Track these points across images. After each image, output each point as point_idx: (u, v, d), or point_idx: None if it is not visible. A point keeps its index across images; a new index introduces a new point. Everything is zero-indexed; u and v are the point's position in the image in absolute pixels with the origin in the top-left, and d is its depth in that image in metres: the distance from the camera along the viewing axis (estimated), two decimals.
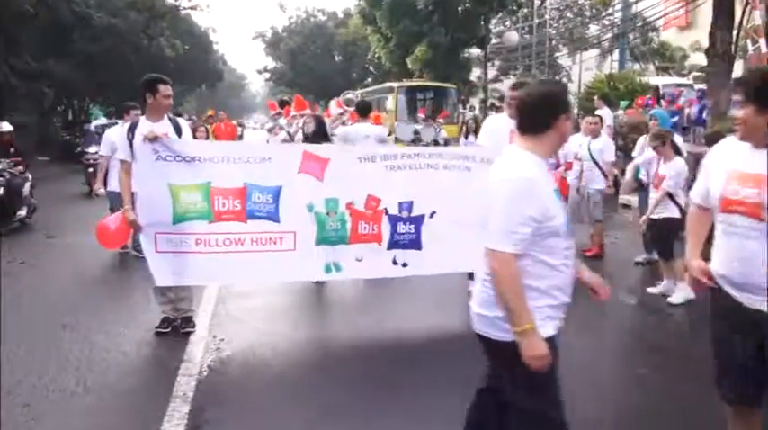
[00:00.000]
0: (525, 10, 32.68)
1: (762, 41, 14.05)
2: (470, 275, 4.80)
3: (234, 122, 17.16)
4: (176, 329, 4.49)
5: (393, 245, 4.44)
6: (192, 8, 32.56)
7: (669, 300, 5.27)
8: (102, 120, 19.22)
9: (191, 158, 4.06)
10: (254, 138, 28.24)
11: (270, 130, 10.13)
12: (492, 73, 32.83)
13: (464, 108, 22.29)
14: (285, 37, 47.15)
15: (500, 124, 4.68)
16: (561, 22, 38.53)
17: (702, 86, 18.50)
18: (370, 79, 42.08)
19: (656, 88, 20.00)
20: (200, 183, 4.09)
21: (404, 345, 4.41)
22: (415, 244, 4.47)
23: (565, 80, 37.89)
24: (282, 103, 10.54)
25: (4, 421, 3.20)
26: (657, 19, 25.03)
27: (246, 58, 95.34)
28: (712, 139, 6.76)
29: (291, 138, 7.72)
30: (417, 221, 4.43)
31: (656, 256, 6.01)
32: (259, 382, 3.82)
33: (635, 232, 6.91)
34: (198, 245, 4.13)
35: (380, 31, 26.42)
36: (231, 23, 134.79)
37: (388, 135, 10.02)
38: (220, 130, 13.95)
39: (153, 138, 4.02)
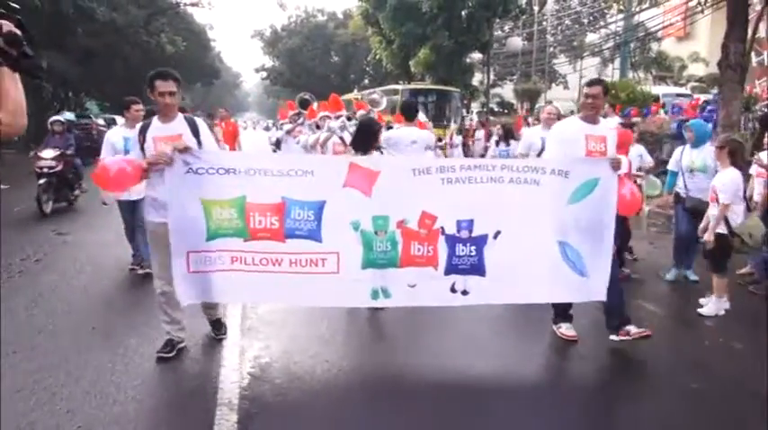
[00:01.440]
0: (525, 16, 32.79)
1: (765, 54, 14.20)
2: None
3: (234, 121, 14.67)
4: (180, 352, 4.10)
5: (451, 269, 3.95)
6: (193, 4, 32.40)
7: (702, 311, 5.23)
8: (68, 115, 17.13)
9: (225, 170, 3.71)
10: (249, 140, 27.94)
11: (289, 132, 9.54)
12: (491, 78, 32.92)
13: (467, 112, 22.27)
14: (284, 36, 47.02)
15: (573, 130, 4.33)
16: (560, 29, 38.75)
17: (703, 96, 18.66)
18: (367, 81, 42.06)
19: (657, 97, 20.18)
20: (235, 198, 3.72)
21: (467, 385, 3.81)
22: (478, 269, 3.97)
23: (561, 87, 38.19)
24: (304, 103, 9.66)
25: (50, 429, 3.10)
26: (659, 30, 25.16)
27: (242, 56, 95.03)
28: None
29: (317, 147, 7.09)
30: (479, 243, 3.94)
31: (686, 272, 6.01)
32: (303, 390, 3.73)
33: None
34: (234, 262, 3.79)
35: (383, 32, 26.34)
36: (228, 21, 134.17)
37: None
38: (222, 130, 12.03)
39: (182, 150, 3.67)
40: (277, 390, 3.69)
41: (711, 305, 5.20)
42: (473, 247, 3.94)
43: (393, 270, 3.91)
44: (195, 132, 3.93)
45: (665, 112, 16.47)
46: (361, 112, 8.16)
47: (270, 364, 4.07)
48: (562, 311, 4.55)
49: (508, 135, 10.92)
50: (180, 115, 4.01)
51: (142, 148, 3.88)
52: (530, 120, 16.28)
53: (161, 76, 3.82)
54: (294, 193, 3.76)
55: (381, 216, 3.85)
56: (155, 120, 3.97)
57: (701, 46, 31.17)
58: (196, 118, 4.21)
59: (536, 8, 33.59)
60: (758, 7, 13.70)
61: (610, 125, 4.54)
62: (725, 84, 11.05)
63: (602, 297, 4.10)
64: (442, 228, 3.91)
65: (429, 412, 3.48)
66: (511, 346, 4.61)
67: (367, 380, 3.91)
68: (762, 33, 14.15)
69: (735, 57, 10.68)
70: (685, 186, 6.00)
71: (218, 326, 4.45)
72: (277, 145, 11.75)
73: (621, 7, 19.94)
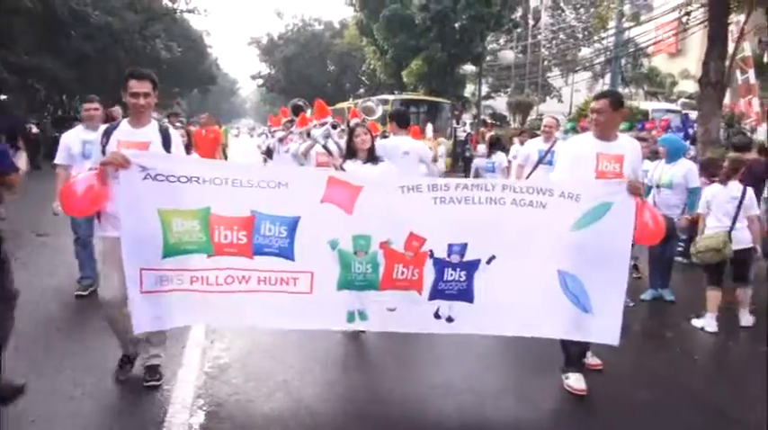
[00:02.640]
0: (519, 29, 33.15)
1: (750, 72, 14.38)
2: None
3: (217, 127, 13.20)
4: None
5: (436, 294, 3.64)
6: (189, 11, 32.61)
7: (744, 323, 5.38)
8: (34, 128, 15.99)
9: (187, 179, 3.30)
10: (242, 148, 27.93)
11: (281, 140, 9.09)
12: (484, 89, 33.18)
13: (457, 123, 22.44)
14: (280, 44, 47.30)
15: (583, 147, 3.89)
16: (554, 42, 39.15)
17: (687, 112, 18.88)
18: (362, 90, 42.28)
19: (647, 113, 20.42)
20: (198, 209, 3.34)
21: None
22: (465, 295, 3.64)
23: (555, 100, 38.50)
24: (297, 109, 9.20)
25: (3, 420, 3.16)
26: (649, 45, 25.46)
27: (239, 63, 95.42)
28: (707, 165, 6.88)
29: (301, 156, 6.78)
30: (470, 268, 3.60)
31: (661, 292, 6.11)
32: (260, 390, 3.79)
33: None
34: (194, 283, 3.42)
35: (377, 43, 26.60)
36: (225, 28, 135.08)
37: None
38: (200, 137, 10.96)
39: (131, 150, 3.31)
40: (233, 390, 3.76)
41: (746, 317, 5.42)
42: (463, 273, 3.61)
43: (372, 292, 3.60)
44: (166, 143, 3.56)
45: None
46: (354, 121, 7.76)
47: (229, 365, 4.14)
48: (575, 358, 3.99)
49: (495, 146, 9.89)
50: (154, 122, 3.64)
51: (104, 152, 3.42)
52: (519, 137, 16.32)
53: (136, 75, 3.47)
54: (265, 207, 3.42)
55: (362, 235, 3.52)
56: (124, 122, 3.61)
57: (692, 63, 31.47)
58: (172, 128, 3.81)
59: (531, 22, 34.00)
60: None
61: (631, 143, 4.01)
62: (704, 101, 11.24)
63: (612, 340, 3.63)
64: (431, 251, 3.56)
65: (390, 415, 3.58)
66: (506, 383, 4.13)
67: (329, 388, 3.92)
68: (747, 52, 14.34)
69: (715, 74, 10.88)
70: (654, 202, 5.84)
71: (152, 372, 3.78)
72: (268, 154, 11.20)
73: (610, 24, 20.19)
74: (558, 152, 4.14)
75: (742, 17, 12.84)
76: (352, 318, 3.64)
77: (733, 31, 13.58)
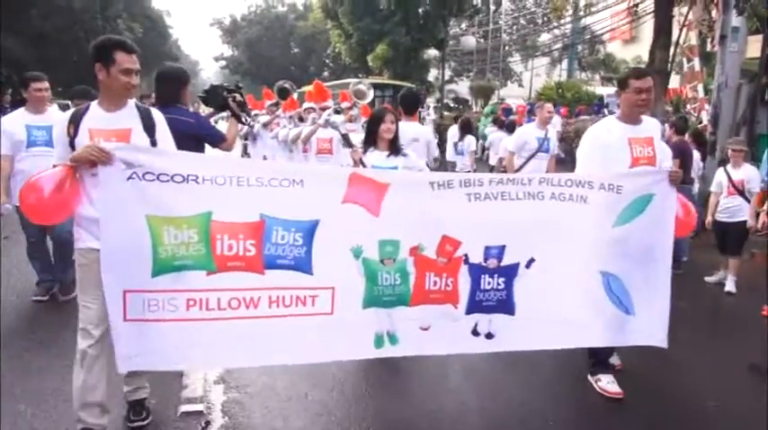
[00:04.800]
0: (481, 15, 33.87)
1: (696, 60, 15.41)
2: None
3: None
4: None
5: (474, 307, 3.17)
6: None
7: (728, 289, 5.99)
8: None
9: (183, 178, 2.72)
10: None
11: (265, 125, 8.61)
12: (447, 74, 33.89)
13: (422, 107, 23.05)
14: (243, 26, 46.93)
15: (613, 135, 3.57)
16: (515, 28, 40.05)
17: None
18: (327, 73, 42.45)
19: (601, 97, 21.44)
20: (196, 215, 2.75)
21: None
22: (505, 306, 3.21)
23: (516, 85, 39.50)
24: (283, 92, 8.60)
25: None
26: (604, 33, 26.48)
27: (201, 45, 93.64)
28: None
29: (299, 143, 6.41)
30: (509, 273, 3.18)
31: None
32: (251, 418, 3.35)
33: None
34: (191, 308, 2.79)
35: (342, 26, 26.89)
36: (187, 8, 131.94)
37: None
38: None
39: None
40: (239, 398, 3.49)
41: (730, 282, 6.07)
42: (501, 280, 3.18)
43: (403, 309, 3.08)
44: (149, 128, 2.90)
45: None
46: (344, 104, 7.26)
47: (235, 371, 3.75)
48: (603, 359, 3.73)
49: (465, 129, 9.50)
50: (131, 103, 2.91)
51: (72, 145, 2.74)
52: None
53: (127, 48, 2.78)
54: (277, 210, 2.87)
55: (390, 240, 3.02)
56: (93, 106, 2.86)
57: (645, 50, 32.72)
58: (153, 109, 3.07)
59: (492, 7, 34.73)
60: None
61: (655, 123, 3.76)
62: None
63: (655, 341, 3.34)
64: (466, 255, 3.12)
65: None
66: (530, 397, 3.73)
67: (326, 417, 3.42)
68: (693, 41, 15.31)
69: (659, 63, 11.73)
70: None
71: (138, 409, 3.14)
72: (247, 139, 10.29)
73: (566, 12, 21.01)
74: (581, 143, 3.77)
75: (686, 9, 13.74)
76: (381, 342, 3.07)
77: (680, 21, 14.52)
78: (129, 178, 2.66)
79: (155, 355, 2.82)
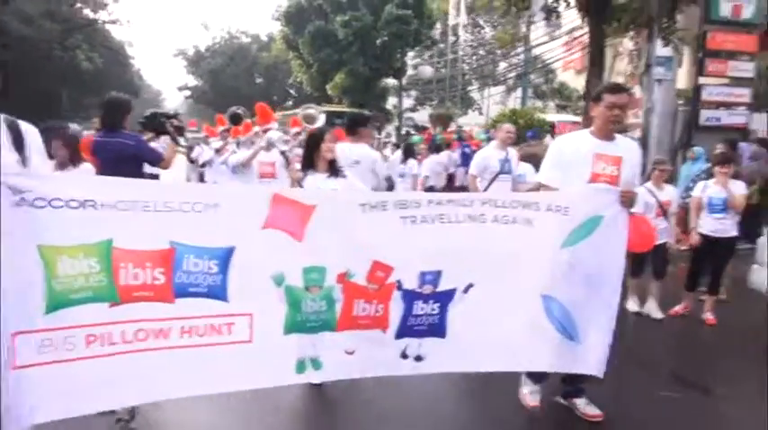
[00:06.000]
0: (442, 45, 34.91)
1: (636, 87, 16.37)
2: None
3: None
4: None
5: (404, 332, 3.06)
6: (111, 22, 32.32)
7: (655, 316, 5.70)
8: None
9: (79, 203, 2.46)
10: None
11: (218, 151, 8.46)
12: (410, 102, 34.70)
13: (379, 134, 23.59)
14: (207, 56, 47.28)
15: (578, 147, 3.43)
16: (474, 58, 41.27)
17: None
18: (290, 102, 42.90)
19: (552, 124, 22.32)
20: (95, 243, 2.51)
21: None
22: (437, 329, 3.10)
23: (476, 113, 40.54)
24: (235, 118, 8.49)
25: None
26: (554, 62, 27.64)
27: (165, 75, 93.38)
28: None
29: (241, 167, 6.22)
30: (444, 299, 3.07)
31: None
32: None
33: None
34: (91, 344, 2.53)
35: (303, 57, 27.47)
36: (150, 38, 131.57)
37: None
38: (86, 148, 7.67)
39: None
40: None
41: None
42: (436, 305, 3.06)
43: (328, 334, 2.95)
44: (18, 143, 2.63)
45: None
46: (294, 130, 7.26)
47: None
48: (577, 382, 3.60)
49: (407, 153, 10.34)
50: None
51: None
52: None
53: None
54: (188, 236, 2.65)
55: (315, 267, 2.87)
56: None
57: None
58: (25, 124, 2.73)
59: (452, 38, 35.80)
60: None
61: (630, 144, 3.62)
62: (587, 113, 12.83)
63: (596, 371, 3.26)
64: (399, 281, 2.98)
65: None
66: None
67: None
68: (630, 70, 16.27)
69: (594, 92, 12.47)
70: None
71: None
72: (205, 166, 10.16)
73: (512, 45, 22.03)
74: (547, 152, 3.64)
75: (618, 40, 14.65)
76: (303, 367, 2.96)
77: (621, 51, 15.46)
78: (17, 205, 2.36)
79: (50, 408, 2.48)
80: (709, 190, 5.57)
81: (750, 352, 4.76)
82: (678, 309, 5.82)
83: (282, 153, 5.74)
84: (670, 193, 5.85)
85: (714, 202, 5.50)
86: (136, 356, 2.61)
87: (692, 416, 3.77)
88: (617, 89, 3.45)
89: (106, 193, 2.54)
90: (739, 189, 5.55)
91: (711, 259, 5.62)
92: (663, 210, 5.69)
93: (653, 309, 5.75)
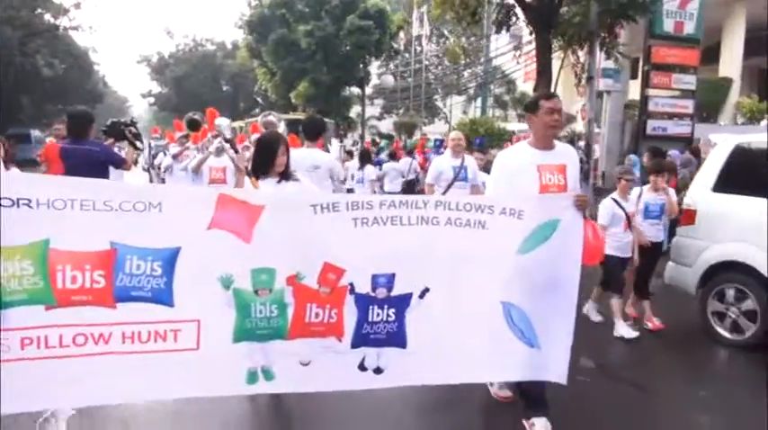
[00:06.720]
0: (407, 55, 35.52)
1: (586, 101, 17.15)
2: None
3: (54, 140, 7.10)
4: None
5: (361, 340, 2.97)
6: (73, 28, 32.00)
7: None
8: None
9: (12, 202, 2.43)
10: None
11: (175, 157, 8.40)
12: (377, 111, 35.18)
13: (341, 142, 23.96)
14: (171, 63, 47.04)
15: (520, 161, 3.39)
16: (440, 68, 42.04)
17: None
18: (257, 110, 42.96)
19: (512, 133, 23.00)
20: (30, 244, 2.46)
21: None
22: (396, 339, 3.01)
23: (443, 122, 41.26)
24: (193, 124, 8.41)
25: None
26: (513, 73, 28.46)
27: (130, 81, 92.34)
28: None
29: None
30: (400, 304, 2.99)
31: None
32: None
33: None
34: (26, 347, 2.49)
35: (266, 65, 27.68)
36: (115, 44, 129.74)
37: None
38: (52, 154, 6.43)
39: None
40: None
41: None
42: (392, 311, 2.99)
43: (279, 342, 2.85)
44: None
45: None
46: (254, 136, 7.11)
47: None
48: (535, 400, 3.42)
49: (365, 159, 10.39)
50: None
51: None
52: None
53: None
54: (130, 237, 2.59)
55: (264, 268, 2.80)
56: None
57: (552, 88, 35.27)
58: None
59: (418, 48, 36.46)
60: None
61: (569, 149, 3.65)
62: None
63: (559, 377, 3.21)
64: (351, 285, 2.91)
65: None
66: None
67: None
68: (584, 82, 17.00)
69: (526, 103, 13.07)
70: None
71: None
72: (166, 172, 10.14)
73: (463, 58, 22.75)
74: (492, 168, 3.60)
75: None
76: (254, 378, 2.85)
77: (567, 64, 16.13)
78: None
79: None
80: (645, 196, 5.65)
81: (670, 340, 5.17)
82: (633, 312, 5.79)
83: (228, 141, 6.16)
84: (634, 204, 5.68)
85: (651, 209, 5.60)
86: (76, 360, 2.54)
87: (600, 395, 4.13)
88: (551, 95, 3.50)
89: (42, 192, 2.48)
90: (672, 195, 5.75)
91: (641, 263, 5.62)
92: (628, 223, 5.44)
93: (593, 313, 5.70)
